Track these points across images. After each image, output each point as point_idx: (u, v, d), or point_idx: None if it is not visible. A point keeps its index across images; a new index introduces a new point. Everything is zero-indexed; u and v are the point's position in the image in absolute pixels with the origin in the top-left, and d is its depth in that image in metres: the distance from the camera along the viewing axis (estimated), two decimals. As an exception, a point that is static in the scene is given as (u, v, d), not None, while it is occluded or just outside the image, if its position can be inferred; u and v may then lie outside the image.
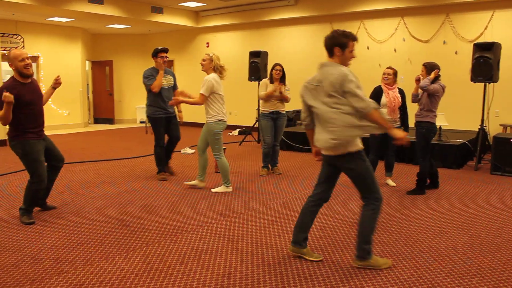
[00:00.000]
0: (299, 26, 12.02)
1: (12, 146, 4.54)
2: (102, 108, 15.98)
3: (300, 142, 9.25)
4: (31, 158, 4.51)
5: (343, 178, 6.52)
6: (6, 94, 4.20)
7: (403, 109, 6.09)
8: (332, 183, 3.68)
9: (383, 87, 6.04)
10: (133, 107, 15.86)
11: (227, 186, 5.89)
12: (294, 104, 11.71)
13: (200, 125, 13.07)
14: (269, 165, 7.01)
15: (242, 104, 13.05)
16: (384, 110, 5.92)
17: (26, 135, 4.47)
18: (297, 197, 5.63)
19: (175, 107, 6.65)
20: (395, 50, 10.52)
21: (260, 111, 7.03)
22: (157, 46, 14.72)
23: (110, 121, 15.77)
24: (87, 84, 15.48)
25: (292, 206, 5.21)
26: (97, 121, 15.93)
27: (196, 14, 13.59)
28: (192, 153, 9.06)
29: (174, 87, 6.71)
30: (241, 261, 3.59)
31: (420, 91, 5.73)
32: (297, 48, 12.13)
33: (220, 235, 4.19)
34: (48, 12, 11.23)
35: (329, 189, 3.69)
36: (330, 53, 3.51)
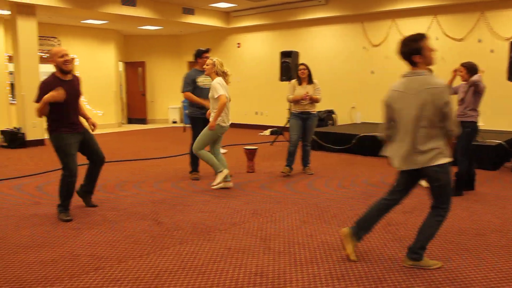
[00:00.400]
0: (330, 26, 11.95)
1: (50, 140, 4.74)
2: (135, 108, 16.25)
3: (332, 142, 9.20)
4: (62, 151, 4.66)
5: (372, 178, 6.45)
6: (60, 91, 4.43)
7: None
8: (410, 190, 3.66)
9: None
10: (165, 107, 16.07)
11: (221, 171, 5.88)
12: (325, 104, 11.73)
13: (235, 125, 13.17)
14: (291, 166, 6.90)
15: (273, 104, 13.06)
16: None
17: (60, 129, 4.64)
18: (329, 197, 5.60)
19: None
20: (428, 49, 10.34)
21: (291, 111, 7.00)
22: (189, 46, 14.86)
23: (143, 121, 16.02)
24: (120, 85, 15.76)
25: (324, 206, 5.19)
26: (130, 121, 16.20)
27: (227, 14, 13.67)
28: (224, 153, 9.10)
29: None
30: (273, 260, 3.60)
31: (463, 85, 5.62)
32: (328, 48, 12.07)
33: (252, 234, 4.22)
34: (83, 15, 11.49)
35: (405, 196, 3.68)
36: (412, 63, 3.44)
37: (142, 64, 16.03)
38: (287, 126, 10.17)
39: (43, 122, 10.53)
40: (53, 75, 4.65)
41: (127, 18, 11.77)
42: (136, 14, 11.36)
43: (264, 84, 13.25)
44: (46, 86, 4.54)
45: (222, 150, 9.20)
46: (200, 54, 6.56)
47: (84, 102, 13.07)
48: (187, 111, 6.70)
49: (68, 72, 4.66)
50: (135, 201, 5.47)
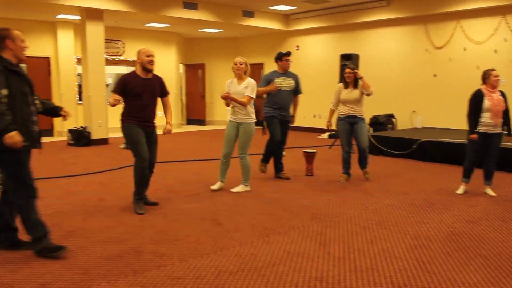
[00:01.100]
0: (391, 28, 11.72)
1: (121, 131, 5.03)
2: (195, 109, 16.58)
3: (392, 146, 9.01)
4: (131, 140, 4.97)
5: (434, 185, 6.25)
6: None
7: (506, 113, 5.74)
8: None
9: (484, 91, 5.72)
10: (224, 108, 16.26)
11: (246, 185, 6.08)
12: (385, 108, 11.51)
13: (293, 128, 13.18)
14: (349, 172, 6.79)
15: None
16: (487, 115, 5.63)
17: (130, 120, 4.96)
18: (390, 203, 5.49)
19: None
20: (495, 51, 9.94)
21: (338, 115, 6.80)
22: (247, 49, 15.03)
23: (202, 122, 16.32)
24: (181, 87, 16.12)
25: (385, 212, 5.10)
26: (189, 122, 16.54)
27: (286, 17, 13.69)
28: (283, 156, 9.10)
29: (296, 91, 6.77)
30: (333, 266, 3.57)
31: None
32: (389, 51, 11.83)
33: (311, 238, 4.20)
34: (147, 19, 11.86)
35: None
36: None
37: (201, 66, 16.34)
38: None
39: (107, 121, 10.95)
40: (133, 72, 5.03)
41: (188, 21, 12.04)
42: (197, 17, 11.60)
43: (323, 86, 13.16)
44: (121, 79, 4.96)
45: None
46: (280, 57, 6.65)
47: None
48: (264, 113, 6.74)
49: (150, 71, 4.98)
50: (195, 201, 5.58)
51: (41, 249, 3.72)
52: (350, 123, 6.59)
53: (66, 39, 12.65)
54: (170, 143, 11.04)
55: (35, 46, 12.34)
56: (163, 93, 5.24)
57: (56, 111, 4.20)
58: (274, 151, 6.76)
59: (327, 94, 13.04)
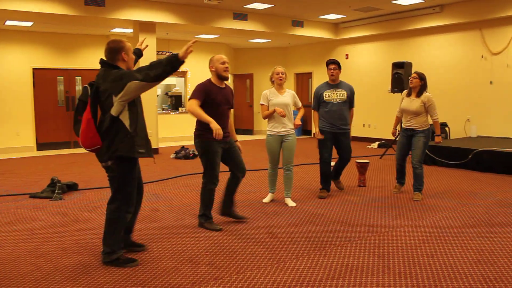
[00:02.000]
0: (445, 34, 11.41)
1: (195, 144, 4.84)
2: (243, 119, 16.67)
3: (446, 156, 8.73)
4: (205, 157, 4.76)
5: (493, 196, 5.98)
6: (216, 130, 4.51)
7: None
8: None
9: None
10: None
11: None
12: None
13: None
14: (402, 182, 6.55)
15: (382, 116, 12.72)
16: None
17: (207, 135, 4.66)
18: (448, 215, 5.30)
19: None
20: (557, 57, 9.50)
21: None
22: (296, 58, 15.02)
23: (250, 132, 16.38)
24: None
25: (443, 225, 4.92)
26: (237, 131, 16.62)
27: (335, 26, 13.60)
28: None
29: (351, 103, 6.27)
30: (394, 281, 3.46)
31: None
32: (442, 58, 11.52)
33: (369, 252, 4.10)
34: (197, 30, 12.04)
35: None
36: None
37: (250, 76, 16.44)
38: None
39: (158, 131, 11.15)
40: (209, 80, 4.81)
41: (238, 32, 12.14)
42: (247, 28, 11.68)
43: (374, 95, 12.96)
44: (202, 87, 4.72)
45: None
46: (327, 65, 6.27)
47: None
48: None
49: (225, 79, 4.82)
50: (248, 211, 5.57)
51: (114, 260, 3.80)
52: (408, 136, 6.21)
53: (119, 52, 12.99)
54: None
55: (90, 59, 12.78)
56: (232, 105, 5.04)
57: (138, 54, 4.46)
58: (327, 172, 6.29)
59: (378, 103, 12.85)
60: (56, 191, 6.44)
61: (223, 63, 4.75)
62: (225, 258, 3.99)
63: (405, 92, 6.35)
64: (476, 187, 6.87)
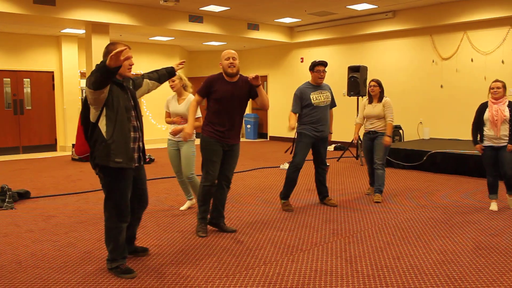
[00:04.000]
0: (398, 39, 11.69)
1: (200, 138, 4.69)
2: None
3: (401, 158, 8.93)
4: (202, 154, 4.64)
5: (450, 196, 6.14)
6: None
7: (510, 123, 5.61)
8: None
9: (489, 102, 5.69)
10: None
11: (191, 199, 5.84)
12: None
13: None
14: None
15: (338, 119, 12.76)
16: (487, 126, 5.62)
17: (209, 133, 4.57)
18: (409, 217, 5.39)
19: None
20: (502, 62, 9.91)
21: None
22: (251, 61, 14.95)
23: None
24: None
25: (405, 226, 5.00)
26: (198, 135, 16.43)
27: (291, 29, 13.68)
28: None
29: (332, 104, 5.99)
30: (363, 284, 3.47)
31: None
32: (395, 62, 11.80)
33: (337, 255, 4.10)
34: (151, 32, 11.82)
35: None
36: None
37: (203, 79, 16.26)
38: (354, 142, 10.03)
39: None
40: (220, 74, 4.66)
41: (193, 34, 11.99)
42: (202, 30, 11.56)
43: (328, 98, 13.10)
44: (207, 79, 4.63)
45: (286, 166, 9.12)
46: (313, 67, 5.85)
47: (149, 117, 13.41)
48: (297, 129, 5.86)
49: (231, 75, 4.60)
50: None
51: (113, 268, 3.70)
52: (371, 138, 6.38)
53: (70, 53, 12.61)
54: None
55: (40, 61, 12.32)
56: (253, 92, 4.74)
57: (169, 72, 4.27)
58: (295, 179, 5.83)
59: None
60: (7, 200, 6.11)
61: (228, 59, 4.57)
62: (191, 267, 3.88)
63: (365, 100, 6.55)
64: (432, 188, 7.04)
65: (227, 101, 4.59)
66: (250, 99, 4.85)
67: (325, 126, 5.83)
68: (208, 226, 4.86)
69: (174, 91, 5.49)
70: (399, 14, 11.16)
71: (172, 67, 4.30)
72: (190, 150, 5.49)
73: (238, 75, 4.69)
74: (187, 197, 5.88)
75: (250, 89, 4.72)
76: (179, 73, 5.17)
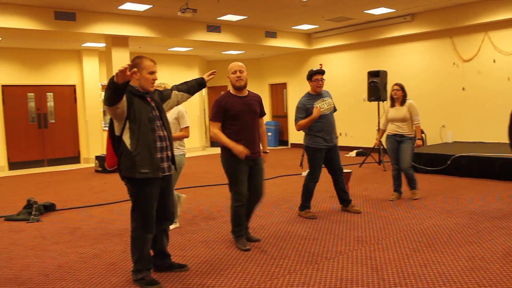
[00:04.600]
0: (417, 43, 11.59)
1: (221, 160, 4.66)
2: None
3: (424, 163, 8.81)
4: (231, 176, 4.56)
5: (476, 201, 6.01)
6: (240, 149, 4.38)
7: None
8: None
9: None
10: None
11: (175, 222, 5.45)
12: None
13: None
14: (400, 190, 6.65)
15: (359, 124, 12.80)
16: None
17: (230, 152, 4.47)
18: (435, 223, 5.30)
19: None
20: (526, 62, 9.74)
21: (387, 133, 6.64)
22: (270, 69, 14.98)
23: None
24: (204, 109, 16.13)
25: (432, 233, 4.91)
26: (213, 144, 16.50)
27: (308, 36, 13.67)
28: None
29: (334, 109, 5.87)
30: (390, 293, 3.42)
31: None
32: (415, 65, 11.69)
33: (362, 263, 4.05)
34: (170, 43, 11.95)
35: None
36: None
37: (224, 88, 16.32)
38: (376, 147, 9.93)
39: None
40: (228, 92, 4.61)
41: (211, 44, 12.08)
42: (220, 39, 11.63)
43: (349, 104, 13.02)
44: (217, 103, 4.52)
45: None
46: (311, 76, 5.69)
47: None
48: (304, 141, 5.85)
49: (240, 88, 4.54)
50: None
51: (138, 279, 3.73)
52: (397, 141, 6.46)
53: (91, 67, 12.82)
54: (197, 166, 10.99)
55: (62, 75, 12.55)
56: (261, 113, 4.73)
57: (199, 83, 4.26)
58: (313, 192, 5.83)
59: (353, 112, 12.92)
60: (33, 212, 6.21)
61: (234, 72, 4.51)
62: (216, 277, 3.88)
63: (387, 104, 6.62)
64: (458, 193, 6.92)
65: (243, 116, 4.49)
66: None
67: (333, 133, 5.77)
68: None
69: (239, 87, 5.17)
70: (418, 17, 11.06)
71: (202, 78, 4.30)
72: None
73: (247, 90, 4.65)
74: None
75: (261, 109, 4.72)
76: (164, 82, 5.05)
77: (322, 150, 5.69)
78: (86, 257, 4.54)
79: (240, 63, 4.61)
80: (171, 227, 5.22)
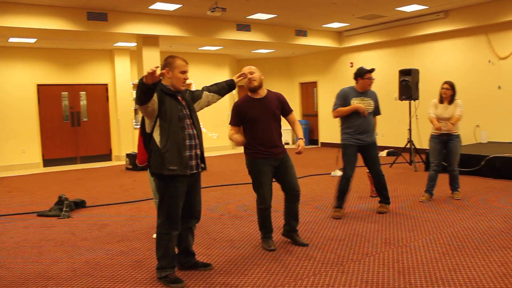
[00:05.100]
0: (451, 40, 11.29)
1: (245, 160, 4.62)
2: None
3: (458, 164, 8.56)
4: (252, 177, 4.54)
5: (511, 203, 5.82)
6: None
7: None
8: None
9: None
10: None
11: None
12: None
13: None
14: (432, 191, 6.53)
15: (390, 124, 12.58)
16: None
17: (254, 154, 4.47)
18: (466, 226, 5.15)
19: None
20: None
21: (431, 132, 6.55)
22: (300, 67, 14.87)
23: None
24: (234, 108, 16.15)
25: (462, 236, 4.77)
26: (242, 143, 16.51)
27: (339, 34, 13.53)
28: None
29: (376, 112, 5.83)
30: (417, 298, 3.33)
31: None
32: (448, 64, 11.40)
33: (388, 267, 3.96)
34: (200, 42, 12.01)
35: None
36: None
37: (254, 87, 16.35)
38: (408, 147, 9.74)
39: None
40: (245, 95, 4.59)
41: (241, 43, 12.09)
42: (250, 38, 11.63)
43: (380, 103, 12.81)
44: (234, 108, 4.55)
45: (340, 173, 8.93)
46: (362, 74, 5.58)
47: (200, 125, 13.57)
48: (341, 138, 5.78)
49: (254, 89, 4.50)
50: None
51: (162, 277, 3.76)
52: (444, 141, 6.38)
53: (122, 66, 13.02)
54: (227, 165, 11.02)
55: (94, 74, 12.78)
56: (286, 111, 4.68)
57: (229, 84, 4.32)
58: (346, 190, 5.71)
59: (385, 111, 12.62)
60: (64, 209, 6.34)
61: (250, 73, 4.49)
62: (239, 276, 3.86)
63: (435, 100, 6.53)
64: (491, 195, 6.72)
65: (260, 120, 4.46)
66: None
67: (367, 135, 5.63)
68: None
69: (254, 88, 4.85)
70: (452, 13, 10.78)
71: (232, 80, 4.34)
72: None
73: (265, 90, 4.58)
74: None
75: (283, 107, 4.63)
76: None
77: (354, 147, 5.61)
78: (113, 254, 4.59)
79: (253, 67, 4.59)
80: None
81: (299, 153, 4.48)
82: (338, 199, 5.75)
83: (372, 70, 5.63)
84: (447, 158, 6.46)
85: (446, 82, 6.41)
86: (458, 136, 6.40)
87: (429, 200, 6.46)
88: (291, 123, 4.70)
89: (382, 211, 5.87)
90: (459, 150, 6.43)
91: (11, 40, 10.65)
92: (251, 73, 4.49)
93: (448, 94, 6.35)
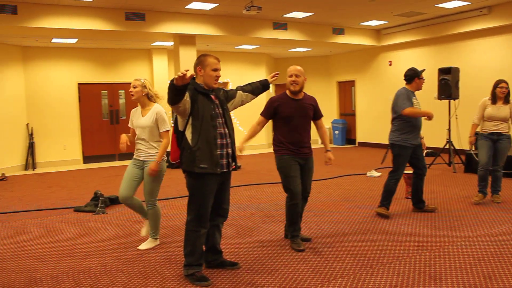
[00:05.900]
0: (495, 37, 10.90)
1: (275, 158, 4.67)
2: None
3: (504, 166, 8.25)
4: (282, 173, 4.56)
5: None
6: None
7: None
8: None
9: None
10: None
11: (156, 239, 4.83)
12: None
13: (382, 145, 12.62)
14: (485, 191, 6.36)
15: (429, 124, 12.16)
16: None
17: (282, 151, 4.55)
18: (504, 231, 4.95)
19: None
20: None
21: (479, 132, 6.42)
22: (338, 66, 14.68)
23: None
24: (270, 107, 16.12)
25: (500, 241, 4.59)
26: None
27: (377, 32, 13.29)
28: (378, 176, 8.71)
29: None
30: (448, 304, 3.22)
31: None
32: (491, 62, 11.00)
33: (420, 271, 3.85)
34: (237, 41, 12.02)
35: None
36: None
37: (291, 85, 16.28)
38: (446, 147, 9.48)
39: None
40: (283, 93, 4.65)
41: (278, 42, 12.04)
42: (287, 37, 11.57)
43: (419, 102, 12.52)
44: (270, 101, 4.63)
45: (376, 173, 8.81)
46: (419, 74, 5.77)
47: (237, 124, 13.62)
48: (390, 138, 5.76)
49: (294, 92, 4.55)
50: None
51: (189, 274, 3.80)
52: (493, 140, 6.24)
53: (160, 65, 13.19)
54: (262, 164, 11.00)
55: (133, 73, 12.98)
56: (317, 115, 4.76)
57: (263, 84, 4.32)
58: (394, 191, 5.71)
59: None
60: (99, 205, 6.47)
61: (291, 76, 4.52)
62: (266, 277, 3.84)
63: (486, 99, 6.36)
64: (533, 199, 6.46)
65: (294, 119, 4.53)
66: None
67: (419, 133, 5.77)
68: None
69: (133, 99, 4.68)
70: (495, 9, 10.40)
71: (266, 80, 4.35)
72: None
73: (303, 93, 4.65)
74: (146, 217, 4.90)
75: (316, 111, 4.72)
76: (145, 80, 4.67)
77: (409, 148, 5.62)
78: (143, 250, 4.65)
79: (299, 67, 4.59)
80: (145, 246, 4.74)
81: (329, 163, 4.75)
82: (386, 199, 5.73)
83: (423, 70, 5.85)
84: (493, 157, 6.30)
85: (503, 81, 6.21)
86: (509, 137, 6.23)
87: (483, 200, 6.33)
88: (319, 128, 4.85)
89: (432, 208, 5.92)
90: (507, 151, 6.27)
91: (54, 40, 10.98)
92: (297, 75, 4.52)
93: (506, 92, 6.17)
